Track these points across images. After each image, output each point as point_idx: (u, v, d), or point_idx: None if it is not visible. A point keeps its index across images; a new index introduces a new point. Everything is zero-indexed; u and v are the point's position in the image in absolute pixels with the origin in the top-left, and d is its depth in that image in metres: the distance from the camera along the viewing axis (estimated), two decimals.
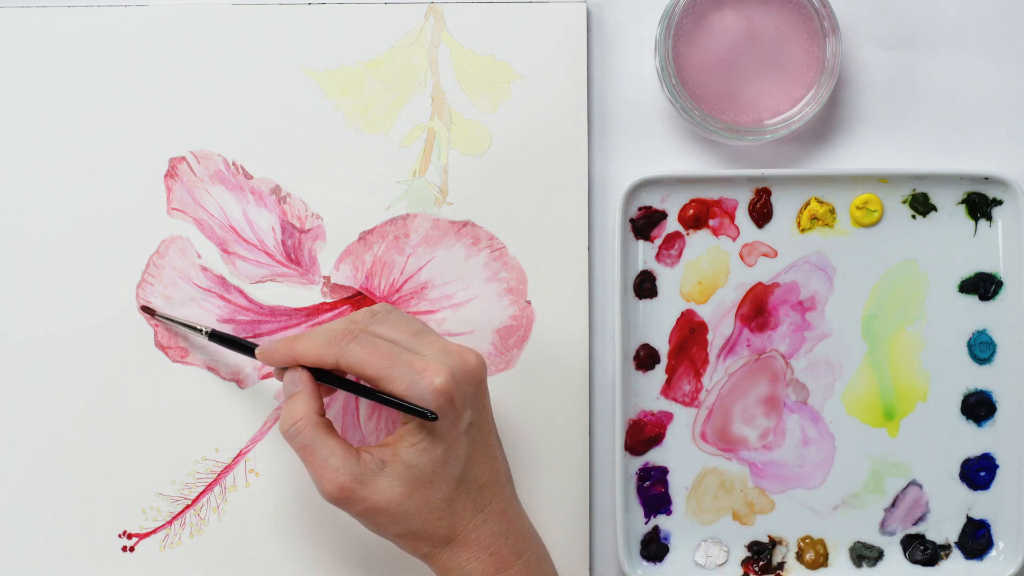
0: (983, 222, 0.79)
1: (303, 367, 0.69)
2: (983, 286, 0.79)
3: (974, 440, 0.79)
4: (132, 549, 0.78)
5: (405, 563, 0.78)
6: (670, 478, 0.79)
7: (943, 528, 0.79)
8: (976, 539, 0.79)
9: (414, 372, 0.65)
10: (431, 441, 0.66)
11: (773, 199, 0.79)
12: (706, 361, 0.79)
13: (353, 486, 0.66)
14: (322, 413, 0.68)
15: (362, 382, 0.68)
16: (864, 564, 0.79)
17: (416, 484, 0.66)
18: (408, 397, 0.65)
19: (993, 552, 0.79)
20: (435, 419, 0.64)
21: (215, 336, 0.74)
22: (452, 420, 0.66)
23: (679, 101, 0.76)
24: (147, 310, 0.77)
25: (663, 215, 0.79)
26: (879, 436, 0.79)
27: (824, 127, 0.80)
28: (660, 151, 0.79)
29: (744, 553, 0.79)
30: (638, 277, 0.78)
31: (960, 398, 0.79)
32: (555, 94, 0.78)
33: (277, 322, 0.78)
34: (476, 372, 0.67)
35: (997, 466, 0.79)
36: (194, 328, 0.75)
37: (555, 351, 0.78)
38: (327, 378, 0.69)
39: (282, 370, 0.70)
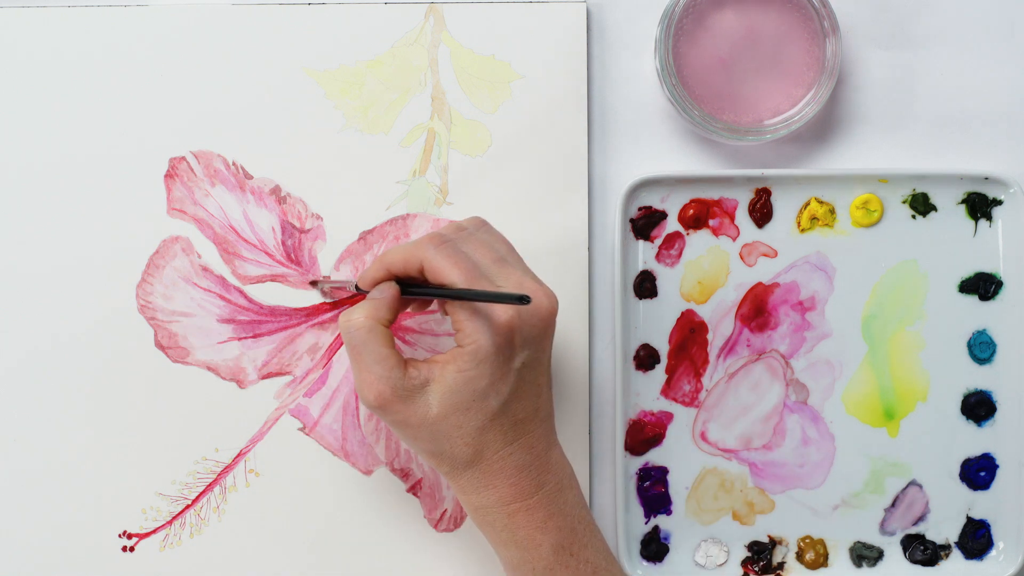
0: (983, 222, 0.79)
1: (395, 283, 0.69)
2: (983, 286, 0.79)
3: (974, 440, 0.79)
4: (132, 549, 0.78)
5: (406, 563, 0.78)
6: (670, 478, 0.79)
7: (943, 528, 0.79)
8: (976, 539, 0.79)
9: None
10: (479, 371, 0.66)
11: (773, 199, 0.79)
12: (706, 361, 0.79)
13: (391, 398, 0.66)
14: (388, 324, 0.68)
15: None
16: (864, 564, 0.79)
17: (452, 408, 0.66)
18: (471, 323, 0.66)
19: (993, 552, 0.79)
20: (527, 303, 0.63)
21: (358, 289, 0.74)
22: (506, 357, 0.66)
23: (679, 101, 0.76)
24: (313, 283, 0.78)
25: (663, 215, 0.79)
26: (879, 436, 0.79)
27: (824, 127, 0.80)
28: (660, 151, 0.79)
29: (744, 553, 0.79)
30: (638, 277, 0.78)
31: (960, 398, 0.79)
32: (555, 94, 0.78)
33: (277, 322, 0.78)
34: (545, 315, 0.67)
35: (997, 466, 0.79)
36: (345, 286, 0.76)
37: (555, 351, 0.78)
38: (417, 291, 0.69)
39: None
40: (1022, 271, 0.78)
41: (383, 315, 0.68)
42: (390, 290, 0.69)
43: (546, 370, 0.69)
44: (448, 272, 0.66)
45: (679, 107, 0.76)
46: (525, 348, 0.67)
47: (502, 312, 0.66)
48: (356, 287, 0.71)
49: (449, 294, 0.66)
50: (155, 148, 0.78)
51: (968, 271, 0.79)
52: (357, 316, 0.67)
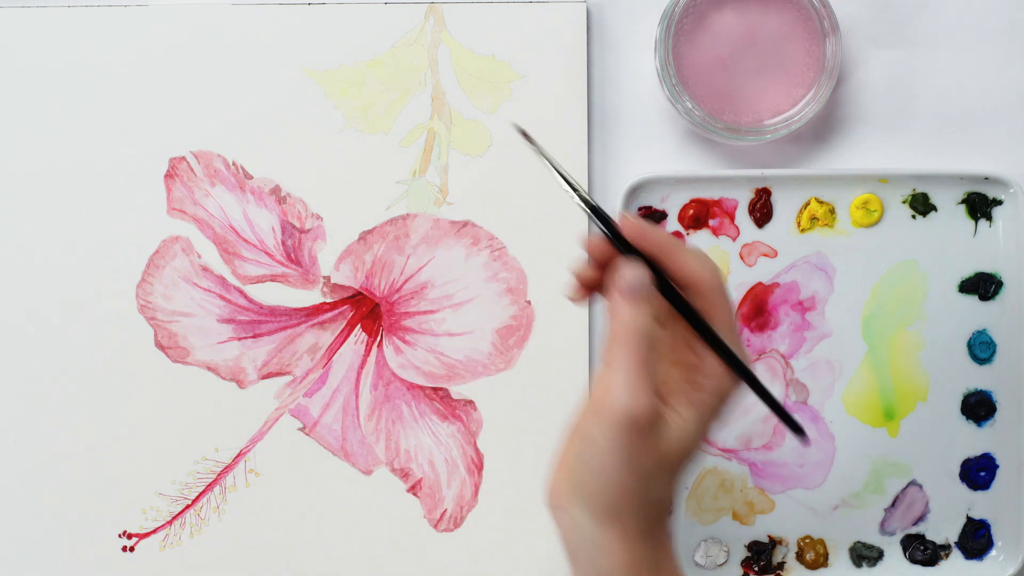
0: (983, 222, 0.79)
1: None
2: (983, 286, 0.79)
3: (974, 440, 0.79)
4: (132, 549, 0.78)
5: (406, 563, 0.78)
6: None
7: (943, 528, 0.79)
8: (976, 539, 0.79)
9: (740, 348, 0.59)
10: (704, 429, 0.58)
11: (773, 199, 0.79)
12: None
13: (642, 421, 0.56)
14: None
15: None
16: (864, 564, 0.79)
17: (685, 457, 0.57)
18: (721, 377, 0.58)
19: (993, 552, 0.79)
20: (806, 442, 0.58)
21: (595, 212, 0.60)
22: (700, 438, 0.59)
23: (679, 101, 0.76)
24: (523, 133, 0.63)
25: (663, 215, 0.79)
26: (879, 436, 0.79)
27: (824, 127, 0.80)
28: (660, 151, 0.79)
29: (744, 553, 0.79)
30: None
31: (960, 398, 0.79)
32: (555, 94, 0.78)
33: (277, 322, 0.78)
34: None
35: (997, 466, 0.79)
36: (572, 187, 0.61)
37: (555, 351, 0.78)
38: (688, 313, 0.59)
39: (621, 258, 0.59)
40: (1022, 271, 0.78)
41: (660, 317, 0.59)
42: (652, 284, 0.58)
43: None
44: (717, 316, 0.57)
45: (679, 107, 0.76)
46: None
47: (732, 380, 0.58)
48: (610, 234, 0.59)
49: (710, 340, 0.58)
50: (155, 148, 0.78)
51: (968, 271, 0.79)
52: (644, 315, 0.57)
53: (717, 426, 0.59)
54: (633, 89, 0.79)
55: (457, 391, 0.78)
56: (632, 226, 0.59)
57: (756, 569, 0.79)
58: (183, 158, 0.78)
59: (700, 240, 0.79)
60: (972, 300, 0.79)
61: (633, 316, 0.57)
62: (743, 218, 0.79)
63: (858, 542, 0.79)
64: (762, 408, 0.79)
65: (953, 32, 0.79)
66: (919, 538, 0.79)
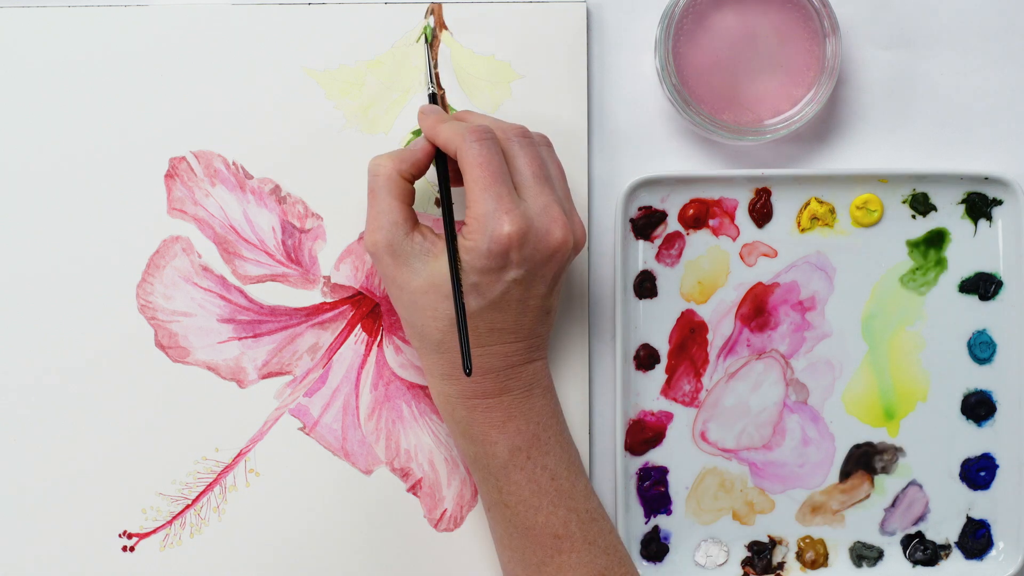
0: (983, 222, 0.79)
1: (431, 147, 0.72)
2: (983, 286, 0.79)
3: (974, 440, 0.79)
4: (132, 549, 0.78)
5: (406, 563, 0.78)
6: (670, 478, 0.79)
7: (943, 528, 0.80)
8: (976, 539, 0.79)
9: (497, 208, 0.67)
10: (468, 267, 0.68)
11: (773, 199, 0.79)
12: (706, 361, 0.79)
13: (383, 251, 0.69)
14: (411, 179, 0.71)
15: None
16: (864, 564, 0.79)
17: (434, 288, 0.69)
18: (477, 223, 0.67)
19: (993, 552, 0.79)
20: (469, 374, 0.67)
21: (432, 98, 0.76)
22: (499, 266, 0.68)
23: (679, 101, 0.76)
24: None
25: (663, 215, 0.79)
26: (879, 436, 0.79)
27: (824, 127, 0.80)
28: (660, 151, 0.79)
29: (744, 553, 0.79)
30: (638, 277, 0.78)
31: (960, 398, 0.79)
32: (555, 94, 0.78)
33: (277, 322, 0.78)
34: (553, 244, 0.69)
35: (997, 466, 0.79)
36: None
37: (555, 351, 0.78)
38: (444, 172, 0.72)
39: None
40: (1022, 271, 0.78)
41: (406, 169, 0.70)
42: (422, 152, 0.71)
43: (541, 294, 0.70)
44: (469, 172, 0.68)
45: (679, 107, 0.76)
46: (523, 266, 0.68)
47: (507, 225, 0.67)
48: (432, 96, 0.76)
49: (451, 251, 0.68)
50: (155, 148, 0.78)
51: (968, 271, 0.79)
52: (383, 162, 0.70)
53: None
54: (633, 89, 0.79)
55: None
56: (423, 112, 0.72)
57: (756, 569, 0.79)
58: (183, 158, 0.78)
59: (700, 240, 0.79)
60: (972, 300, 0.79)
61: (370, 171, 0.71)
62: (743, 218, 0.79)
63: (858, 542, 0.79)
64: (762, 408, 0.79)
65: (953, 32, 0.79)
66: (919, 538, 0.79)
